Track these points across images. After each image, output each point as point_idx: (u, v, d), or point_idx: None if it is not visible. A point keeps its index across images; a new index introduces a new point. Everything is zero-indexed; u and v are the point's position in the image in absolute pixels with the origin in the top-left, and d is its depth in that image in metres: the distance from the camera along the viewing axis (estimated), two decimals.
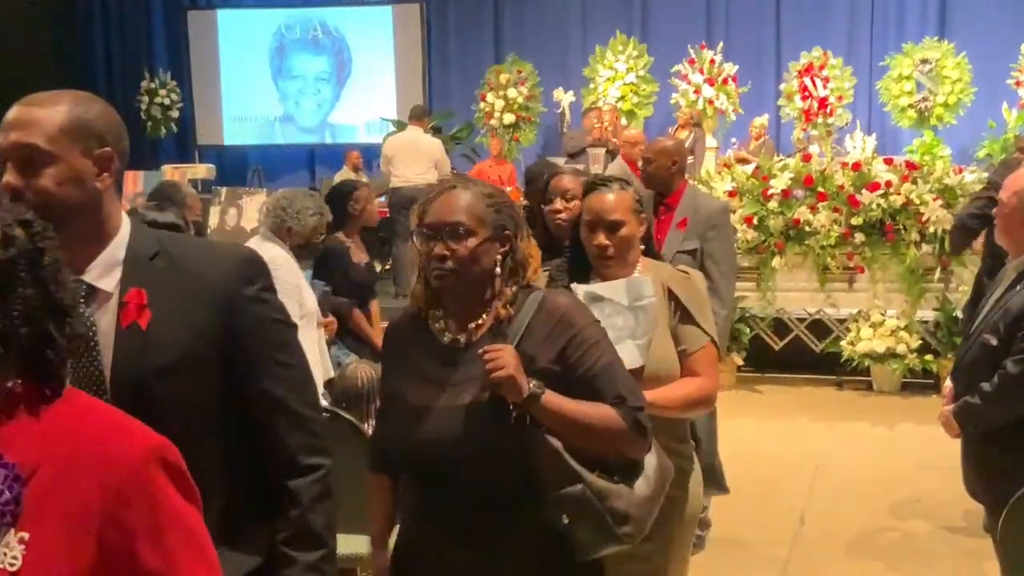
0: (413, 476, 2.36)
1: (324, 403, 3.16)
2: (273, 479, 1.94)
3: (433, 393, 2.27)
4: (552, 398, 2.19)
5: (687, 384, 2.86)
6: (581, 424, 2.20)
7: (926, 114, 12.41)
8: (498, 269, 2.28)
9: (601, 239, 2.77)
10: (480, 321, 2.29)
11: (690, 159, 10.78)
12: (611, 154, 10.06)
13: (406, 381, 2.32)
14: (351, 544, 3.78)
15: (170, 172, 12.02)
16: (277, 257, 4.50)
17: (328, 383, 4.53)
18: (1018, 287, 3.18)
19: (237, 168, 15.78)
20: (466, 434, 2.20)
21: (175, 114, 16.07)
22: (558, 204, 4.00)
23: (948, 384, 3.43)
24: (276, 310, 1.99)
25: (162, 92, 15.94)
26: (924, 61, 12.45)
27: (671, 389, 2.86)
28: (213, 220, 8.98)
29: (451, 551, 2.25)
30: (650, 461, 2.33)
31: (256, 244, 4.63)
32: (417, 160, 10.50)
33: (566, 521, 2.19)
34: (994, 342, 3.18)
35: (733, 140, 12.65)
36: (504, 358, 2.15)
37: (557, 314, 2.28)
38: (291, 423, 1.95)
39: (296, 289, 4.51)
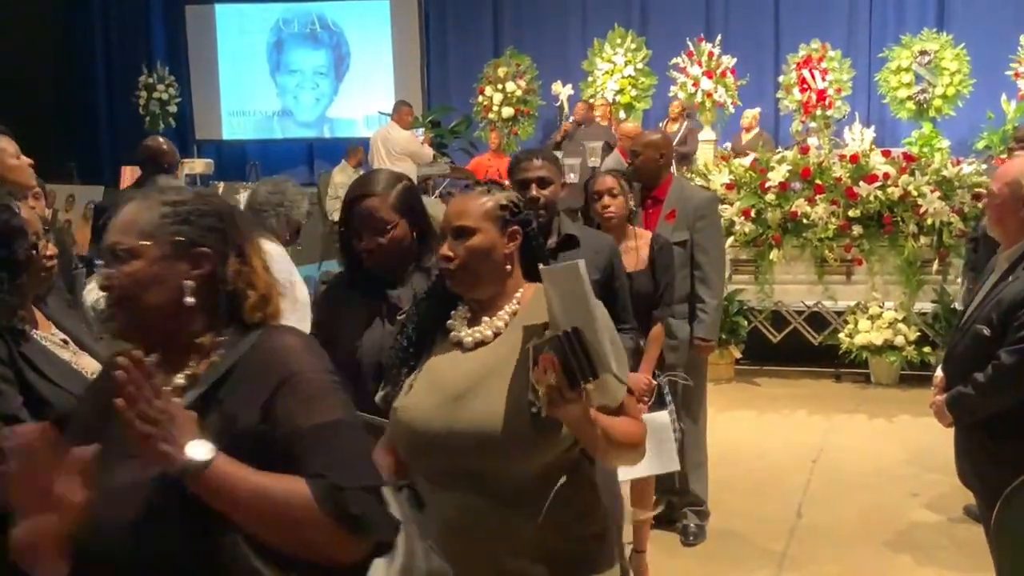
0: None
1: None
2: None
3: (107, 468, 1.72)
4: (223, 468, 1.61)
5: (627, 422, 2.27)
6: (255, 505, 1.63)
7: (925, 106, 12.39)
8: (189, 298, 1.77)
9: (444, 248, 2.33)
10: (187, 371, 1.78)
11: (683, 149, 10.83)
12: (609, 147, 10.05)
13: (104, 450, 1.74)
14: None
15: None
16: (272, 251, 4.48)
17: None
18: (1010, 277, 3.17)
19: (236, 163, 15.77)
20: (125, 523, 1.67)
21: (173, 109, 16.05)
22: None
23: (939, 374, 3.43)
24: None
25: (160, 87, 15.93)
26: (923, 53, 12.43)
27: (616, 420, 2.28)
28: None
29: None
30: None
31: None
32: (389, 154, 10.63)
33: None
34: (987, 332, 3.17)
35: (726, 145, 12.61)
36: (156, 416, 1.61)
37: (271, 357, 1.76)
38: None
39: (290, 284, 4.49)
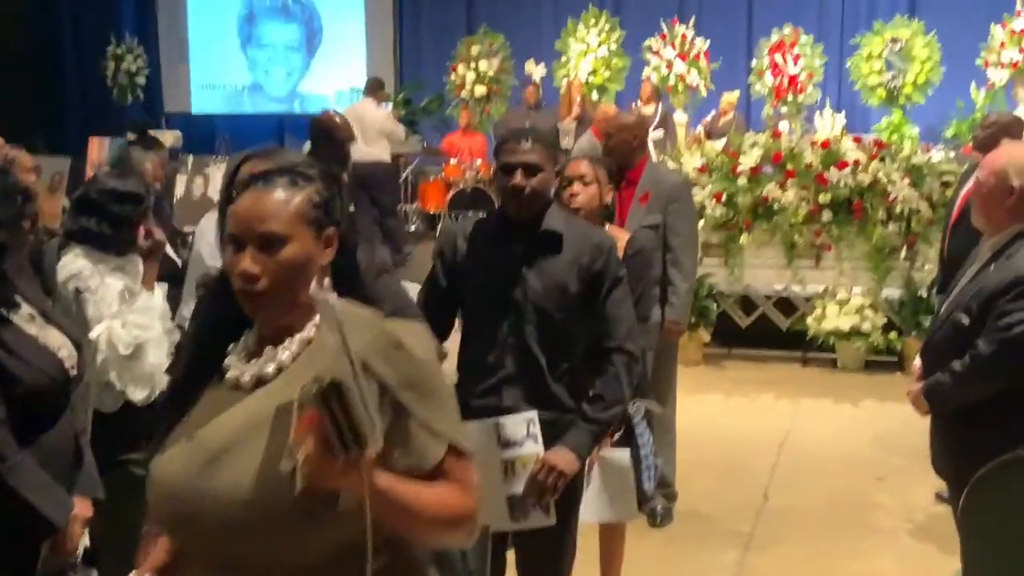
0: None
1: None
2: None
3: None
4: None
5: (442, 490, 1.74)
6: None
7: (895, 93, 12.45)
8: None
9: (243, 262, 1.75)
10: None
11: (660, 132, 10.81)
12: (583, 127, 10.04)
13: None
14: None
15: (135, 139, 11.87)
16: None
17: None
18: (992, 267, 3.18)
19: (204, 136, 15.58)
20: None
21: (142, 81, 15.86)
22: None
23: (917, 362, 3.44)
24: None
25: (129, 58, 15.72)
26: (894, 40, 12.48)
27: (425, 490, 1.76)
28: (179, 189, 8.87)
29: None
30: None
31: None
32: (365, 133, 10.50)
33: None
34: (966, 321, 3.18)
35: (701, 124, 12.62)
36: None
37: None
38: None
39: None
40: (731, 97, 12.20)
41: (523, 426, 2.92)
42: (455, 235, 3.18)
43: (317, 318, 1.80)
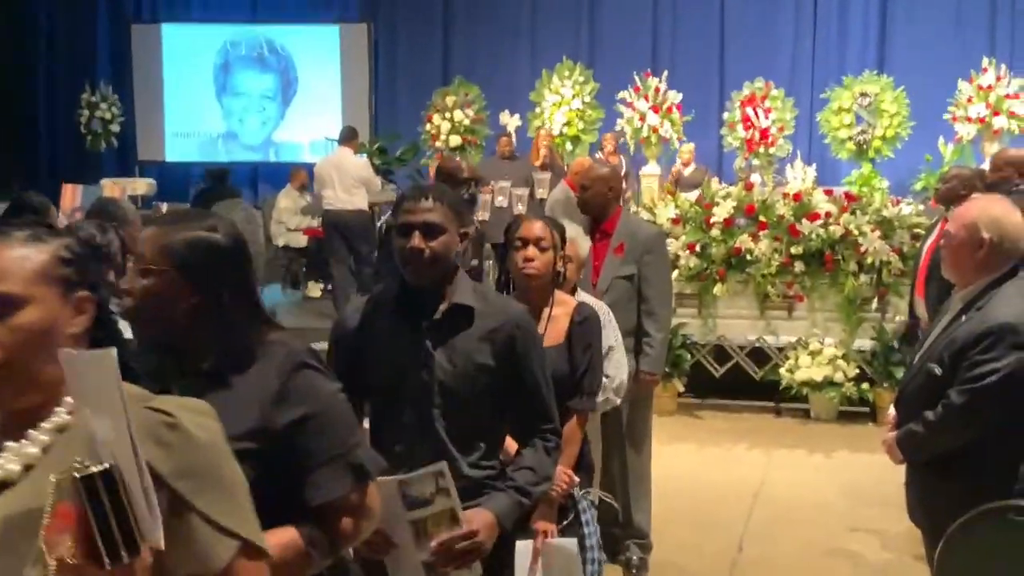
0: None
1: None
2: None
3: None
4: None
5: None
6: None
7: (864, 146, 12.61)
8: None
9: None
10: None
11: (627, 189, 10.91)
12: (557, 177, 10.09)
13: None
14: None
15: (109, 187, 11.82)
16: None
17: None
18: (963, 318, 3.22)
19: (178, 184, 15.58)
20: None
21: (116, 128, 15.84)
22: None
23: (891, 411, 3.47)
24: None
25: (103, 106, 15.72)
26: (863, 94, 12.66)
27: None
28: None
29: None
30: None
31: None
32: (343, 181, 10.56)
33: None
34: (938, 372, 3.22)
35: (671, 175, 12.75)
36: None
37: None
38: None
39: None
40: (689, 147, 12.41)
41: (431, 482, 2.53)
42: (349, 317, 2.84)
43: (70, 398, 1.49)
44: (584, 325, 3.56)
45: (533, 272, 3.50)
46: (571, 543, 3.18)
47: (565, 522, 3.37)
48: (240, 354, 2.05)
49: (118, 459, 1.29)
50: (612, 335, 3.99)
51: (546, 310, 3.54)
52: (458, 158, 6.20)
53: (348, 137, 11.26)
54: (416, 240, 2.64)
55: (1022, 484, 3.12)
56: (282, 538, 1.94)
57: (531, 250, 3.50)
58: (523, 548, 2.93)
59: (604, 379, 3.77)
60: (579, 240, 4.04)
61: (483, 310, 2.73)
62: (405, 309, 2.74)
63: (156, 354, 2.02)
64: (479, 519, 2.59)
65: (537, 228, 3.54)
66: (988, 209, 3.28)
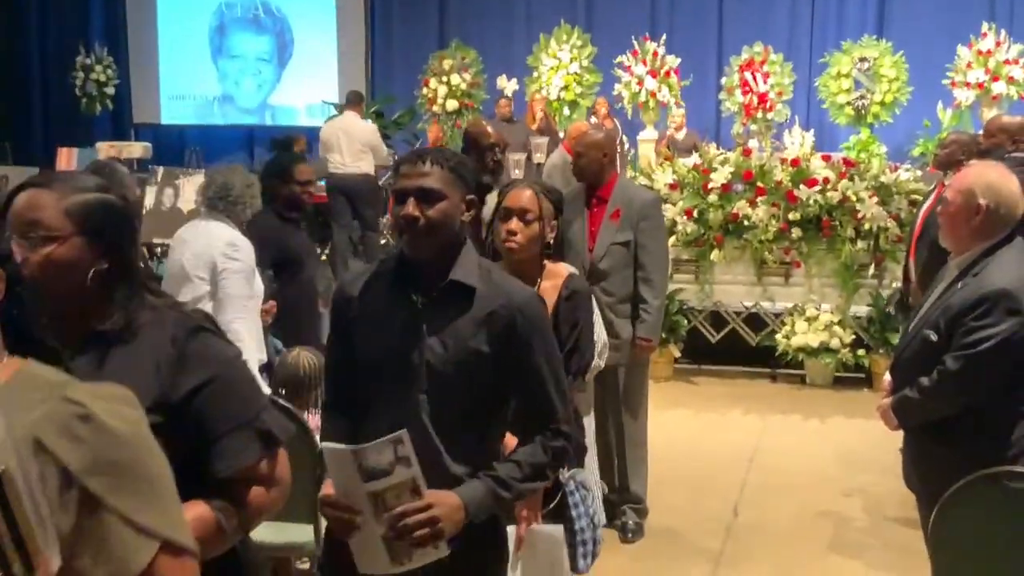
0: None
1: (265, 390, 3.07)
2: None
3: None
4: None
5: None
6: None
7: (863, 112, 12.57)
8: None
9: None
10: None
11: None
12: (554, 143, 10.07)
13: None
14: (287, 533, 3.76)
15: (105, 150, 11.81)
16: (237, 239, 4.45)
17: (267, 369, 4.49)
18: (959, 284, 3.23)
19: (174, 148, 15.54)
20: None
21: (111, 91, 15.76)
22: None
23: (887, 377, 3.48)
24: None
25: (98, 68, 15.63)
26: (862, 59, 12.61)
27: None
28: (149, 200, 8.82)
29: None
30: None
31: (207, 225, 4.55)
32: (351, 146, 10.50)
33: None
34: (934, 338, 3.23)
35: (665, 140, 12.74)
36: None
37: None
38: None
39: (251, 271, 4.47)
40: (680, 111, 12.39)
41: (388, 451, 2.23)
42: (349, 284, 2.60)
43: None
44: (572, 300, 3.37)
45: (514, 246, 3.33)
46: (556, 529, 3.08)
47: (552, 504, 3.17)
48: (139, 321, 1.95)
49: (9, 463, 1.18)
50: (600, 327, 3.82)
51: (538, 283, 3.34)
52: (485, 120, 6.12)
53: (354, 101, 11.18)
54: (411, 207, 2.39)
55: (1016, 449, 3.14)
56: (192, 514, 1.81)
57: (514, 223, 3.32)
58: (507, 535, 2.73)
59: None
60: None
61: (484, 291, 2.45)
62: (402, 283, 2.49)
63: (53, 325, 1.74)
64: (442, 498, 2.30)
65: (524, 198, 3.34)
66: (984, 175, 3.28)
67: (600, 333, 3.77)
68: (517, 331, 2.43)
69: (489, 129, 5.65)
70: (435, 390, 2.42)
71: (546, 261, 3.43)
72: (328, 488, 2.35)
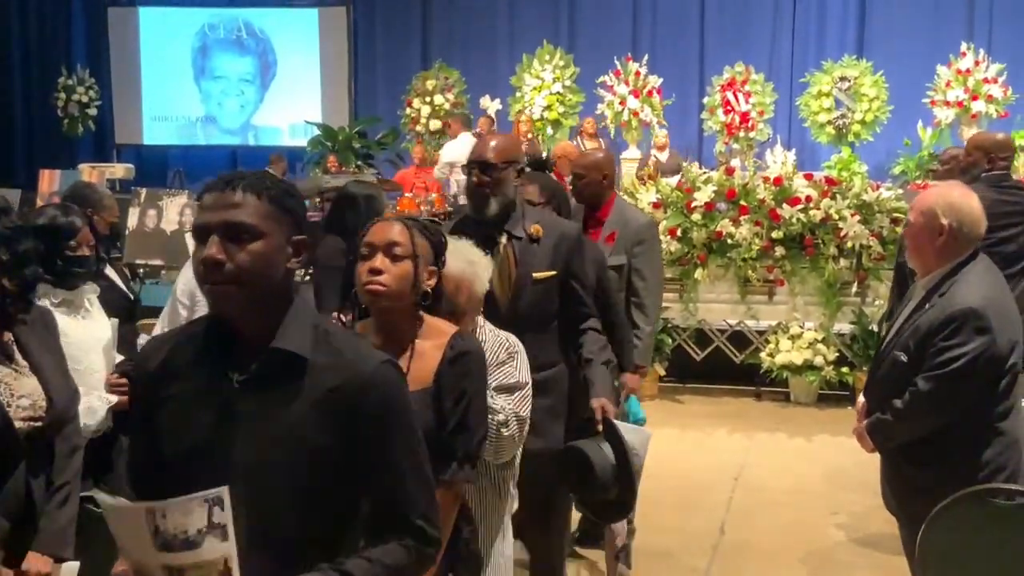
0: None
1: None
2: None
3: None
4: None
5: None
6: None
7: (844, 131, 12.67)
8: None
9: None
10: None
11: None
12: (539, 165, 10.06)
13: None
14: None
15: (87, 172, 11.75)
16: None
17: None
18: (927, 305, 3.23)
19: (157, 168, 15.52)
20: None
21: (93, 112, 15.76)
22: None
23: (861, 400, 3.48)
24: None
25: (80, 89, 15.62)
26: (843, 79, 12.72)
27: None
28: (132, 221, 8.79)
29: None
30: None
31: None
32: None
33: None
34: (904, 359, 3.23)
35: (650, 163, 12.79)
36: None
37: None
38: None
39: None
40: (662, 132, 12.45)
41: (200, 513, 1.66)
42: (150, 354, 2.01)
43: None
44: (459, 364, 2.58)
45: (379, 288, 2.51)
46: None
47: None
48: None
49: None
50: (524, 371, 2.97)
51: (411, 344, 2.59)
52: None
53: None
54: (214, 248, 1.80)
55: (989, 469, 3.14)
56: None
57: (379, 260, 2.52)
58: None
59: (497, 424, 2.81)
60: (480, 267, 2.96)
61: (321, 362, 1.86)
62: (214, 353, 1.88)
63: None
64: None
65: (393, 231, 2.55)
66: (945, 195, 3.28)
67: (523, 407, 2.92)
68: (365, 413, 1.86)
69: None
70: (252, 501, 1.78)
71: (424, 314, 2.63)
72: (121, 564, 1.81)
